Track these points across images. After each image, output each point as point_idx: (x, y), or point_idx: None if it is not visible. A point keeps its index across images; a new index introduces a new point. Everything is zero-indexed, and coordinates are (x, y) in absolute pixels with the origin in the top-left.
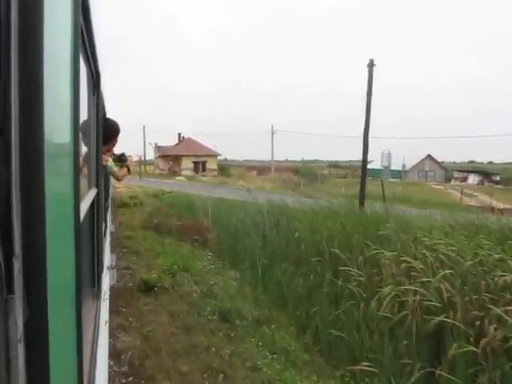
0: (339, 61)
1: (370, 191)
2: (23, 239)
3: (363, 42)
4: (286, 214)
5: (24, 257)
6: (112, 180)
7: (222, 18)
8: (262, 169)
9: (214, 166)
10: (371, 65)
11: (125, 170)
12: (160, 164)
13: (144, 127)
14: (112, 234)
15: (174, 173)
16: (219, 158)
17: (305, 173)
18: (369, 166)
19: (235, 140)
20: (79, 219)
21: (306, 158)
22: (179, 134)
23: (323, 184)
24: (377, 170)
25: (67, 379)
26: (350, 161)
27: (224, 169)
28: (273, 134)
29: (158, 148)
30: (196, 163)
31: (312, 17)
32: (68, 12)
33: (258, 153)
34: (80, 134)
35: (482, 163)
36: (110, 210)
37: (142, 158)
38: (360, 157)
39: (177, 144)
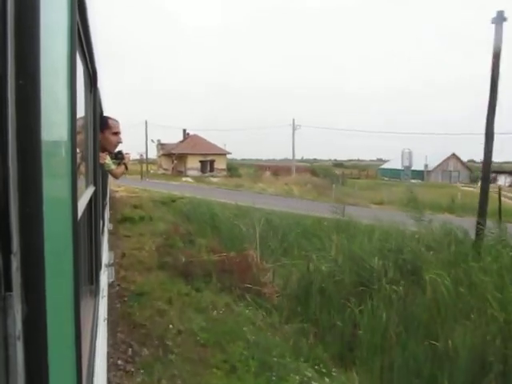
0: (337, 62)
1: (393, 195)
2: (21, 237)
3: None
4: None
5: (22, 254)
6: (111, 182)
7: (221, 16)
8: (276, 169)
9: (223, 166)
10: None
11: (122, 167)
12: (163, 163)
13: (146, 122)
14: (113, 283)
15: (178, 173)
16: (227, 156)
17: (323, 173)
18: (384, 166)
19: (244, 137)
20: (77, 217)
21: (304, 157)
22: (184, 131)
23: (345, 186)
24: (394, 170)
25: (66, 376)
26: (350, 160)
27: (233, 169)
28: (294, 129)
29: (161, 145)
30: (203, 162)
31: (312, 16)
32: (64, 10)
33: (265, 151)
34: (77, 131)
35: (497, 163)
36: (107, 207)
37: (144, 156)
38: (360, 156)
39: (182, 141)
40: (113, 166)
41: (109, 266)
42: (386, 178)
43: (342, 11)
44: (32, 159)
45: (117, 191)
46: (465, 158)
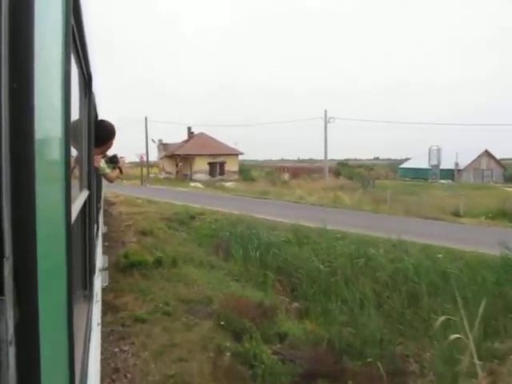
0: (336, 62)
1: (449, 201)
2: (13, 241)
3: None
4: None
5: (14, 259)
6: (107, 191)
7: (221, 17)
8: (295, 170)
9: (235, 168)
10: None
11: (117, 171)
12: (166, 166)
13: (146, 118)
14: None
15: (183, 177)
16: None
17: (348, 174)
18: (405, 165)
19: (249, 136)
20: (70, 221)
21: (301, 158)
22: (189, 129)
23: (376, 189)
24: (419, 169)
25: (59, 381)
26: (348, 159)
27: (245, 171)
28: (327, 121)
29: (163, 146)
30: (212, 164)
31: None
32: (59, 14)
33: (275, 151)
34: (71, 135)
35: None
36: (101, 211)
37: (144, 159)
38: (357, 155)
39: (187, 140)
40: (107, 170)
41: (103, 270)
42: (407, 179)
43: (342, 11)
44: (25, 163)
45: (114, 203)
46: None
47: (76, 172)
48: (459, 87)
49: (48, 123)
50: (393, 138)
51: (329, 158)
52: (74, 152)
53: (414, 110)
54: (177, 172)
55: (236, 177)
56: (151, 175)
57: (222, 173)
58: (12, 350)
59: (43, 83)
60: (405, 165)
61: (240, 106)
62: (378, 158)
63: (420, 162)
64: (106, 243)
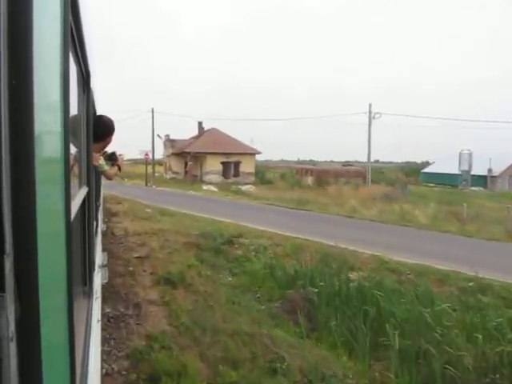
0: (337, 62)
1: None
2: (14, 237)
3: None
4: None
5: (15, 255)
6: (107, 198)
7: (221, 17)
8: (319, 173)
9: (251, 169)
10: None
11: (115, 168)
12: (173, 165)
13: (153, 110)
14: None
15: (192, 178)
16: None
17: (384, 180)
18: (428, 170)
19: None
20: (70, 218)
21: (301, 158)
22: (199, 124)
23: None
24: (444, 174)
25: (60, 378)
26: (356, 161)
27: (259, 172)
28: (371, 117)
29: (170, 142)
30: (226, 164)
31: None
32: (57, 11)
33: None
34: (70, 132)
35: None
36: (101, 208)
37: (149, 156)
38: (363, 158)
39: (197, 137)
40: (106, 167)
41: (102, 267)
42: (431, 185)
43: (341, 11)
44: (25, 160)
45: (116, 213)
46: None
47: (75, 169)
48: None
49: (47, 120)
50: (392, 139)
51: (327, 159)
52: (73, 149)
53: (424, 107)
54: (186, 172)
55: (252, 179)
56: (156, 174)
57: (236, 174)
58: (13, 347)
59: (42, 80)
60: (428, 169)
61: (241, 105)
62: (378, 160)
63: (444, 166)
64: (105, 307)
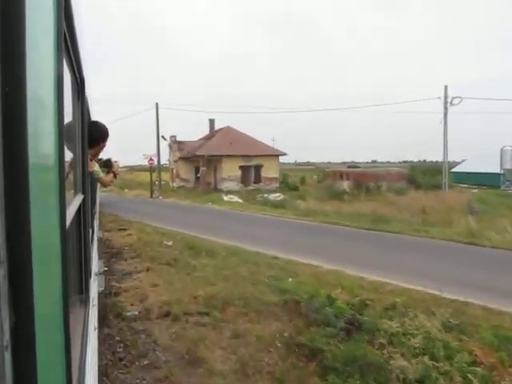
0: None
1: None
2: (8, 245)
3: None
4: None
5: (9, 263)
6: (103, 209)
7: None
8: (357, 176)
9: (275, 174)
10: None
11: (111, 175)
12: (181, 171)
13: (157, 105)
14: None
15: (206, 186)
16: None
17: (422, 181)
18: (458, 169)
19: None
20: (65, 225)
21: (298, 160)
22: (211, 122)
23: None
24: (478, 174)
25: None
26: (352, 162)
27: (284, 176)
28: (447, 105)
29: (177, 144)
30: (245, 169)
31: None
32: (50, 18)
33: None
34: (65, 139)
35: None
36: (97, 216)
37: (154, 162)
38: (355, 158)
39: (208, 137)
40: (102, 174)
41: (98, 274)
42: (464, 186)
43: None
44: (19, 167)
45: (120, 252)
46: None
47: (70, 176)
48: None
49: (41, 127)
50: (390, 140)
51: (325, 160)
52: (68, 156)
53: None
54: (198, 178)
55: (275, 185)
56: (157, 182)
57: (257, 180)
58: (8, 355)
59: (36, 87)
60: (457, 168)
61: (258, 95)
62: (375, 161)
63: (477, 165)
64: None
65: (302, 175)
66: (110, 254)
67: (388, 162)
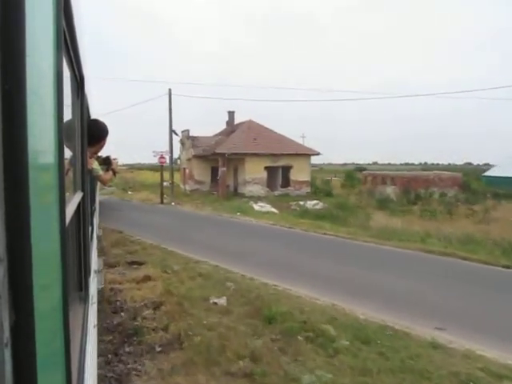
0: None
1: None
2: (8, 243)
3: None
4: None
5: (9, 260)
6: (106, 225)
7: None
8: (403, 181)
9: (305, 176)
10: None
11: (110, 173)
12: (196, 171)
13: (170, 91)
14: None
15: (225, 189)
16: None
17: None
18: (490, 173)
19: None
20: (65, 223)
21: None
22: (231, 114)
23: None
24: (507, 178)
25: None
26: (352, 163)
27: (314, 180)
28: None
29: (190, 140)
30: (271, 170)
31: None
32: (50, 15)
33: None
34: (64, 137)
35: None
36: (96, 214)
37: (165, 160)
38: (355, 160)
39: (227, 132)
40: (101, 172)
41: (98, 272)
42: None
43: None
44: (18, 165)
45: (139, 314)
46: None
47: (70, 174)
48: None
49: (41, 125)
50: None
51: (325, 162)
52: (67, 154)
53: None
54: (214, 181)
55: (306, 189)
56: (165, 183)
57: (285, 183)
58: (8, 353)
59: (35, 85)
60: (490, 173)
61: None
62: (376, 162)
63: (507, 169)
64: None
65: (319, 177)
66: (119, 335)
67: (389, 164)
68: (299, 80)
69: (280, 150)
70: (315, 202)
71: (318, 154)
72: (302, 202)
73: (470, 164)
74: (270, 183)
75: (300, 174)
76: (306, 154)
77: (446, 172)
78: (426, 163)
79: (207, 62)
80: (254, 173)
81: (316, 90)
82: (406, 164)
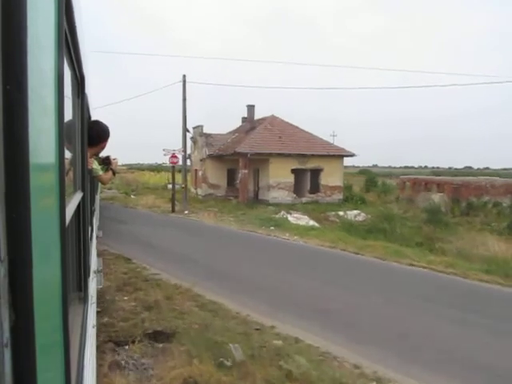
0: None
1: None
2: (8, 243)
3: None
4: None
5: (10, 261)
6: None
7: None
8: (453, 188)
9: (337, 181)
10: None
11: (110, 173)
12: (209, 173)
13: (184, 77)
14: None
15: (246, 194)
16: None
17: None
18: None
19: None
20: (65, 223)
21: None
22: (250, 109)
23: None
24: None
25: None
26: (353, 166)
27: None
28: None
29: (204, 138)
30: (299, 173)
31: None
32: (51, 15)
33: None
34: (65, 137)
35: None
36: (96, 213)
37: (178, 159)
38: (356, 162)
39: (246, 129)
40: (100, 172)
41: (97, 272)
42: None
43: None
44: (19, 165)
45: None
46: None
47: (70, 174)
48: None
49: (41, 125)
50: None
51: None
52: (67, 154)
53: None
54: (231, 185)
55: (339, 196)
56: (170, 186)
57: (315, 189)
58: (8, 353)
59: (36, 85)
60: None
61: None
62: (376, 165)
63: None
64: None
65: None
66: None
67: (389, 167)
68: (299, 80)
69: (309, 150)
70: (356, 211)
71: (352, 155)
72: (341, 213)
73: (470, 168)
74: (297, 188)
75: (331, 177)
76: (338, 156)
77: (499, 178)
78: (426, 166)
79: (207, 62)
80: (279, 176)
81: (316, 89)
82: (406, 167)
